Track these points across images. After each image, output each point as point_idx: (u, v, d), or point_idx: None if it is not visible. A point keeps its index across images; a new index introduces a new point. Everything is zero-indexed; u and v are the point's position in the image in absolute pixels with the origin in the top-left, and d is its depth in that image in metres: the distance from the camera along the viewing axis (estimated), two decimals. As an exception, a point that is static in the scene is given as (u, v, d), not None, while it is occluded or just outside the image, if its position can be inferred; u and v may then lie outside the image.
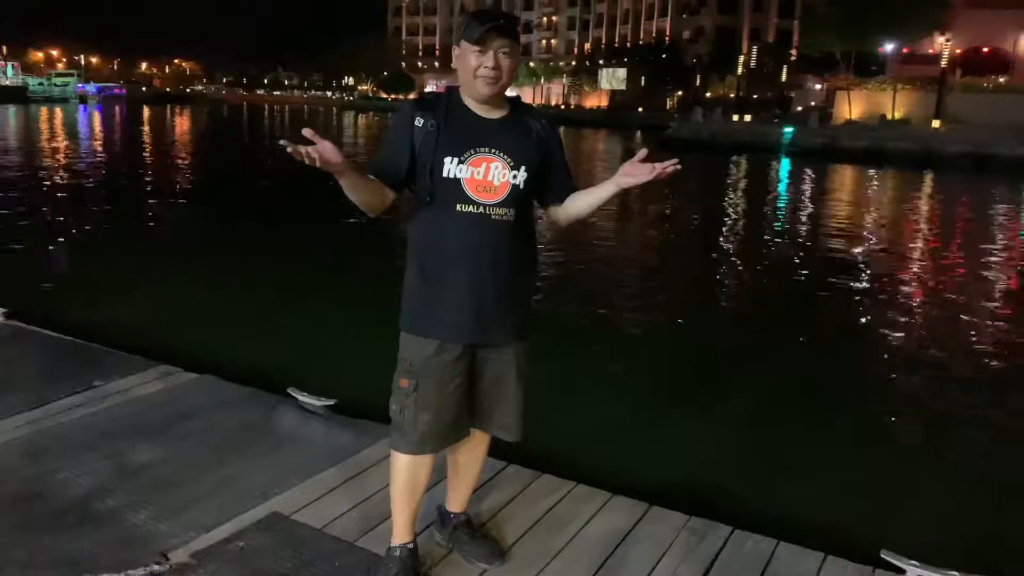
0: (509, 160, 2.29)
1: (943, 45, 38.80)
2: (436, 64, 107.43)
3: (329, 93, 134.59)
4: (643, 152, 2.25)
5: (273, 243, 11.14)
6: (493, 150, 2.29)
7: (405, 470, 2.49)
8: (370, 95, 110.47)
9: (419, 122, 2.27)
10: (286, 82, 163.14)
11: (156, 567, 2.63)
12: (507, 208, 2.30)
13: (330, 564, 2.69)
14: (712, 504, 3.40)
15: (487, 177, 2.27)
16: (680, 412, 5.24)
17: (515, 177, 2.30)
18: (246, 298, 7.87)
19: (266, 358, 5.51)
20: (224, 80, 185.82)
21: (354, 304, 7.38)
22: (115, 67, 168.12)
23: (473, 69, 2.23)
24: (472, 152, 2.27)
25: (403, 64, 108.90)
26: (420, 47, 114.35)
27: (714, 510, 3.16)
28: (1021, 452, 4.92)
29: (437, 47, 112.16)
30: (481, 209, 2.27)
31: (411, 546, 2.58)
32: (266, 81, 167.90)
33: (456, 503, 2.80)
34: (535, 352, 2.54)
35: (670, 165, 2.17)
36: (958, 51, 40.45)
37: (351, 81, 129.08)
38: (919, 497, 4.24)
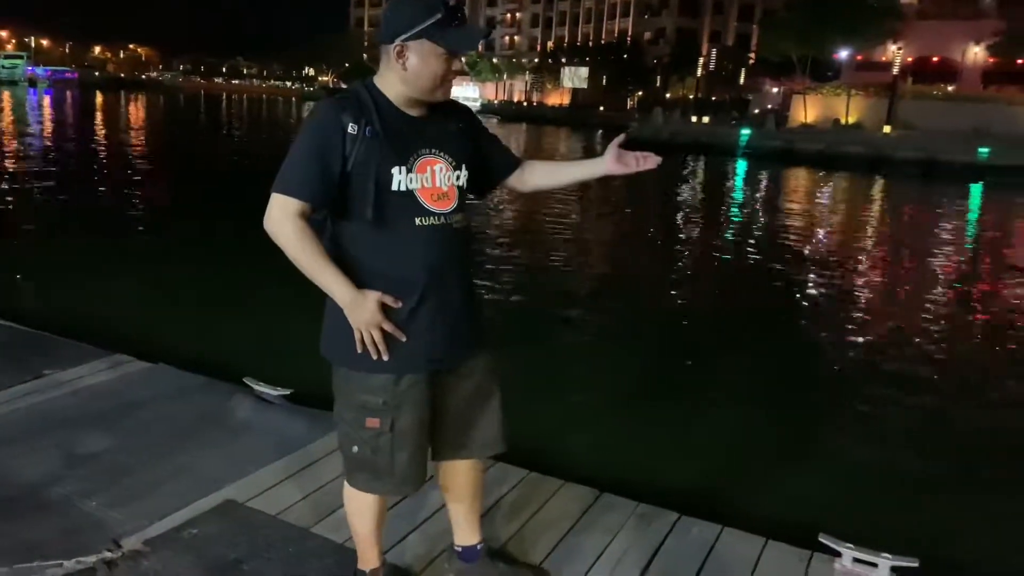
0: (451, 160, 2.08)
1: (895, 53, 39.89)
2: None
3: (289, 83, 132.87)
4: (622, 137, 2.19)
5: (229, 231, 10.99)
6: (434, 151, 2.05)
7: (377, 508, 2.29)
8: (331, 86, 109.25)
9: (352, 129, 1.92)
10: (245, 71, 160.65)
11: (108, 554, 2.63)
12: (461, 213, 2.10)
13: (284, 550, 2.72)
14: (661, 491, 3.51)
15: (435, 183, 2.03)
16: (631, 404, 5.36)
17: (459, 178, 2.09)
18: (201, 286, 7.79)
19: (222, 347, 5.48)
20: (180, 67, 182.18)
21: (311, 292, 7.32)
22: (67, 50, 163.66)
23: (439, 76, 1.97)
24: (416, 157, 2.01)
25: (365, 56, 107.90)
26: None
27: (663, 497, 3.25)
28: (952, 442, 5.13)
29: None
30: (441, 220, 2.03)
31: (384, 568, 2.45)
32: (224, 70, 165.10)
33: (473, 534, 2.53)
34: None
35: (652, 159, 2.15)
36: (909, 59, 41.56)
37: (312, 72, 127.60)
38: (856, 484, 4.41)
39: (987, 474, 4.65)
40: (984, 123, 34.87)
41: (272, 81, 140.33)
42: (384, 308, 2.00)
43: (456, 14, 1.93)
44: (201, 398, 4.00)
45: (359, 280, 2.00)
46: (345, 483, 2.29)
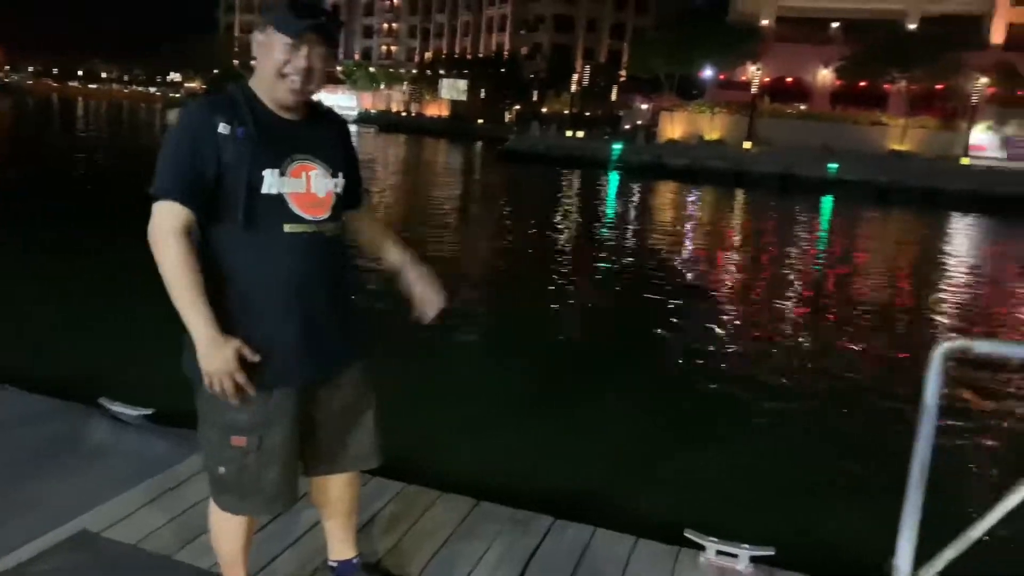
0: (328, 167, 2.03)
1: (754, 74, 42.37)
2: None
3: (153, 89, 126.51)
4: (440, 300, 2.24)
5: (77, 243, 10.34)
6: (309, 156, 1.99)
7: (244, 529, 2.20)
8: (199, 92, 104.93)
9: (224, 129, 1.86)
10: (104, 74, 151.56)
11: (-58, 594, 2.41)
12: (336, 222, 2.05)
13: (145, 579, 2.58)
14: (537, 497, 3.57)
15: (310, 188, 1.97)
16: (507, 413, 5.43)
17: (336, 185, 2.04)
18: (49, 302, 7.28)
19: (73, 366, 5.15)
20: (30, 69, 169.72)
21: (170, 305, 6.99)
22: None
23: (279, 66, 1.90)
24: (289, 160, 1.95)
25: (235, 62, 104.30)
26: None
27: (539, 502, 3.31)
28: (805, 442, 5.48)
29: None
30: (313, 227, 1.98)
31: None
32: (80, 73, 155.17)
33: (349, 548, 2.48)
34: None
35: (432, 309, 2.23)
36: (767, 80, 44.22)
37: (178, 77, 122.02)
38: (718, 482, 4.65)
39: (835, 470, 5.00)
40: (832, 140, 37.74)
41: (134, 86, 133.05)
42: (247, 330, 1.92)
43: (303, 4, 1.90)
44: (51, 422, 3.73)
45: (218, 282, 1.92)
46: (211, 505, 2.20)
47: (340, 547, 2.48)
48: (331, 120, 2.12)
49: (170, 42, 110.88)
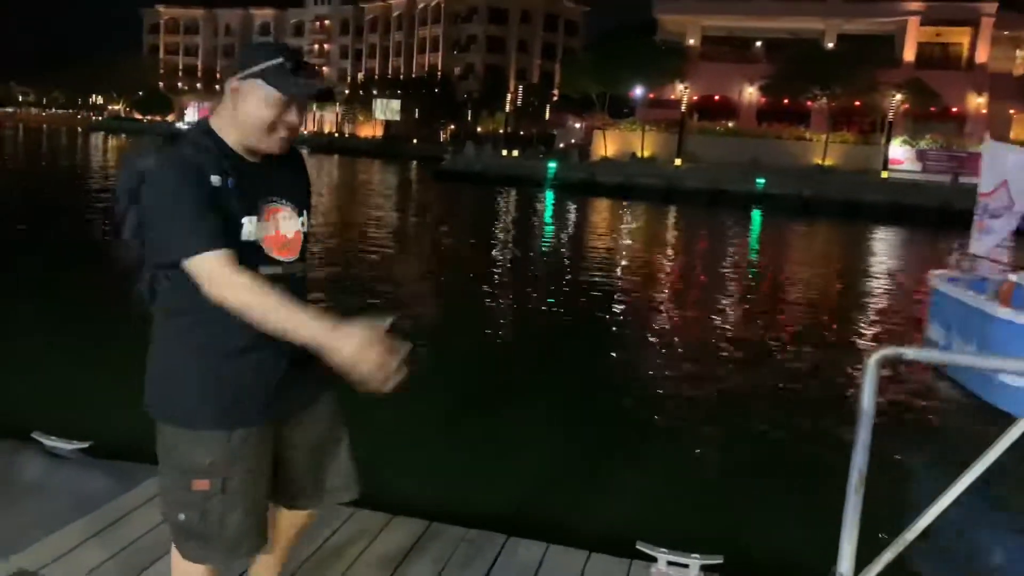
0: (294, 206, 2.01)
1: (682, 92, 43.52)
2: (198, 86, 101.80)
3: (73, 111, 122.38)
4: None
5: (4, 278, 9.94)
6: (277, 198, 1.97)
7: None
8: (122, 115, 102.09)
9: (216, 181, 1.82)
10: (20, 97, 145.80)
11: None
12: (303, 263, 2.02)
13: (88, 618, 2.49)
14: (490, 516, 3.58)
15: (280, 231, 1.95)
16: (453, 435, 5.44)
17: (303, 224, 2.02)
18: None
19: (5, 400, 4.93)
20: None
21: (105, 337, 6.78)
22: None
23: (270, 121, 1.87)
24: (263, 205, 1.92)
25: (161, 84, 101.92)
26: (180, 67, 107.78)
27: (491, 521, 3.32)
28: (748, 453, 5.63)
29: (199, 68, 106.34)
30: (283, 269, 1.95)
31: None
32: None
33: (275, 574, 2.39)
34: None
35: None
36: (694, 98, 45.46)
37: (100, 100, 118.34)
38: (668, 494, 4.74)
39: (777, 479, 5.14)
40: (759, 156, 38.97)
41: (54, 109, 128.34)
42: (215, 368, 1.89)
43: (299, 61, 1.87)
44: (-20, 460, 3.58)
45: (190, 324, 1.89)
46: (173, 553, 2.09)
47: (269, 573, 2.37)
48: (292, 157, 2.07)
49: (92, 64, 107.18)
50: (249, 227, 1.88)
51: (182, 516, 1.98)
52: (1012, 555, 4.44)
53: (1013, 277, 5.94)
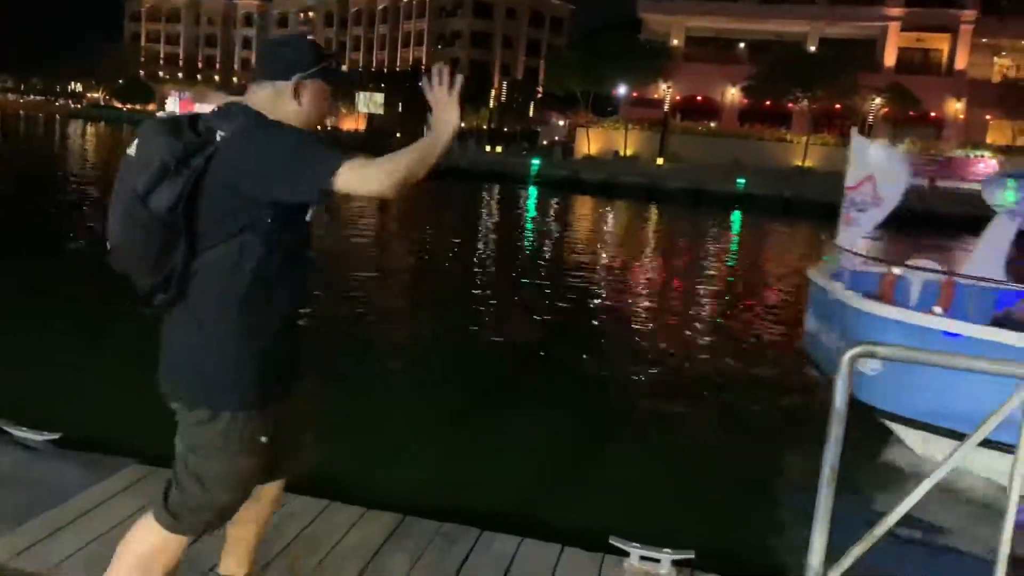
0: None
1: (665, 91, 43.66)
2: (180, 75, 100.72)
3: (53, 98, 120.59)
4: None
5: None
6: None
7: (176, 552, 2.07)
8: (102, 103, 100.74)
9: None
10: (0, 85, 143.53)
11: None
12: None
13: (55, 610, 2.46)
14: (463, 510, 3.57)
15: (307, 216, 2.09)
16: (432, 429, 5.43)
17: (312, 214, 2.13)
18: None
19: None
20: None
21: (76, 329, 6.70)
22: None
23: (326, 109, 2.09)
24: None
25: (142, 73, 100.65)
26: (161, 55, 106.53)
27: (465, 515, 3.32)
28: (717, 452, 5.64)
29: (181, 57, 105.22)
30: (310, 252, 2.10)
31: None
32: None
33: (248, 562, 2.38)
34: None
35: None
36: (678, 98, 45.61)
37: (79, 87, 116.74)
38: (641, 491, 4.76)
39: (750, 473, 5.18)
40: (740, 156, 39.15)
41: (33, 96, 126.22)
42: (260, 340, 1.97)
43: (337, 61, 2.13)
44: (-53, 449, 3.52)
45: (240, 309, 1.93)
46: (149, 529, 2.05)
47: (240, 561, 2.36)
48: None
49: (71, 51, 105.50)
50: (312, 208, 2.03)
51: (226, 497, 2.02)
52: (978, 549, 4.50)
53: (897, 270, 6.11)
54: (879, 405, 5.35)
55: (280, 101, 2.00)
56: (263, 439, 2.02)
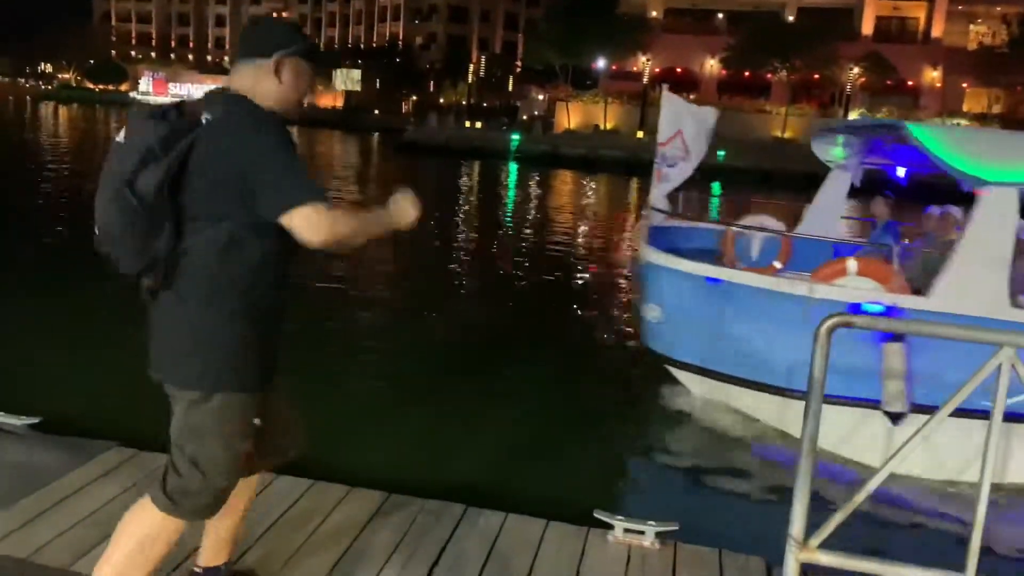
0: None
1: (644, 64, 43.48)
2: (152, 55, 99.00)
3: (21, 80, 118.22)
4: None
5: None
6: None
7: (173, 535, 2.09)
8: (73, 84, 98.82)
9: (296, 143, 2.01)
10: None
11: None
12: None
13: (39, 595, 2.46)
14: (448, 487, 3.59)
15: None
16: (413, 408, 5.41)
17: None
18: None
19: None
20: None
21: (56, 312, 6.62)
22: None
23: (305, 88, 2.09)
24: None
25: (113, 52, 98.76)
26: (134, 35, 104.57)
27: (450, 492, 3.33)
28: (701, 422, 5.65)
29: (153, 36, 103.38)
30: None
31: None
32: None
33: (225, 552, 2.39)
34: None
35: None
36: (657, 70, 45.48)
37: (50, 68, 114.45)
38: (625, 463, 4.81)
39: (731, 448, 5.21)
40: (720, 128, 38.98)
41: (2, 78, 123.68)
42: (254, 327, 2.01)
43: (313, 41, 2.14)
44: (-76, 438, 3.48)
45: (240, 292, 1.96)
46: (141, 512, 2.07)
47: (219, 551, 2.37)
48: None
49: (40, 32, 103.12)
50: None
51: (222, 480, 2.05)
52: (953, 516, 4.57)
53: (734, 230, 6.39)
54: (660, 351, 5.55)
55: (261, 79, 2.01)
56: (256, 420, 2.08)
